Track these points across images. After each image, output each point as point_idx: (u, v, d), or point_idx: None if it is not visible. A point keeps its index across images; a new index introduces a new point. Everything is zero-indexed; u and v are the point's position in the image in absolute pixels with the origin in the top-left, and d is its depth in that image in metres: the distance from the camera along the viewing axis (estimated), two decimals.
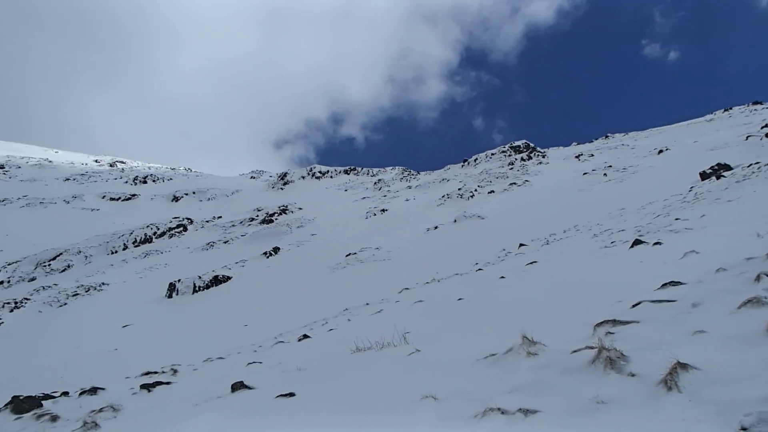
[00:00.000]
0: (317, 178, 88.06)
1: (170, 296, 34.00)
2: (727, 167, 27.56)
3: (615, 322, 4.75)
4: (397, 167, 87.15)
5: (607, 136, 75.39)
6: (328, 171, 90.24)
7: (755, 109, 64.51)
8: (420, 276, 24.26)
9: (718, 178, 25.52)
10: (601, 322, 4.85)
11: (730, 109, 71.11)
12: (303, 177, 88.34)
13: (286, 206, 63.09)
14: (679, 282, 5.94)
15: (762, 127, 41.09)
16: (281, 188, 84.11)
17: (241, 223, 58.83)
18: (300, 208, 63.00)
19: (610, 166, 46.80)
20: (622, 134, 73.72)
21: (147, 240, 54.98)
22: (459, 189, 52.79)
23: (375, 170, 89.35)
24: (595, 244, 16.15)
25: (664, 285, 6.02)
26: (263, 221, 58.26)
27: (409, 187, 66.49)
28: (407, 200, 57.25)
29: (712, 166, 28.43)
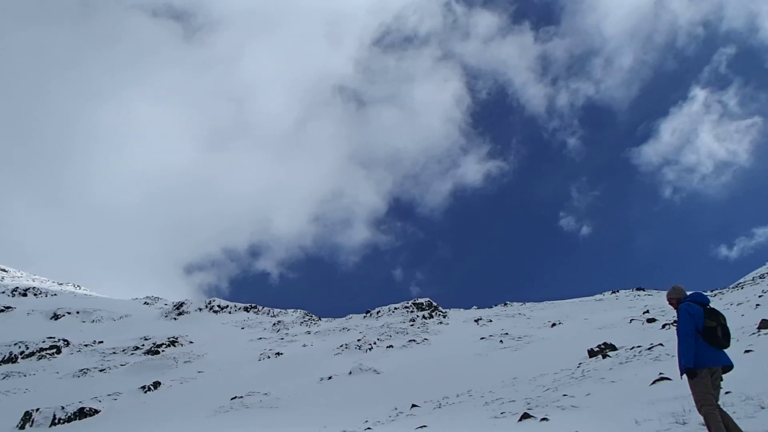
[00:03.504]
0: (215, 312, 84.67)
1: (23, 427, 30.18)
2: (613, 347, 28.92)
3: None
4: (299, 310, 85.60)
5: (506, 304, 78.11)
6: (227, 306, 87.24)
7: (638, 295, 69.53)
8: (307, 429, 22.95)
9: (604, 357, 26.62)
10: None
11: (617, 291, 76.31)
12: (200, 309, 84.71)
13: (176, 338, 59.62)
14: None
15: (643, 312, 44.06)
16: (175, 318, 79.93)
17: (123, 350, 54.70)
18: (191, 342, 59.66)
19: (507, 334, 48.02)
20: (520, 303, 76.67)
21: (11, 359, 49.75)
22: (358, 340, 52.11)
23: (276, 311, 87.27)
24: (486, 413, 16.02)
25: None
26: (148, 351, 54.50)
27: (308, 333, 65.00)
28: (305, 345, 55.67)
29: (600, 345, 29.76)
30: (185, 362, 49.25)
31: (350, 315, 77.69)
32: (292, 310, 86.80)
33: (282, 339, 60.97)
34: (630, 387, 14.74)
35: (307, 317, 79.45)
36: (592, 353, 28.83)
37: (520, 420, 12.10)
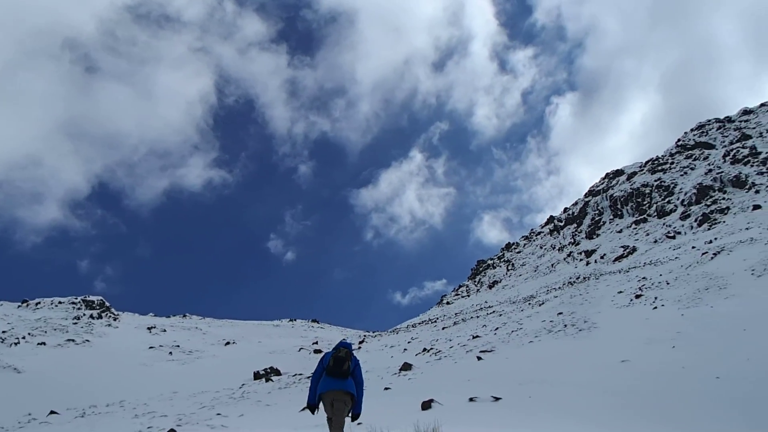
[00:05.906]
0: None
1: None
2: (278, 372, 30.09)
3: None
4: None
5: (185, 315, 75.79)
6: None
7: (312, 326, 73.94)
8: None
9: (267, 380, 27.48)
10: None
11: (295, 320, 79.97)
12: None
13: None
14: None
15: (313, 343, 46.97)
16: None
17: None
18: None
19: (178, 346, 46.51)
20: (200, 317, 75.13)
21: None
22: (3, 332, 45.19)
23: None
24: (131, 427, 15.18)
25: None
26: None
27: None
28: None
29: (266, 369, 30.70)
30: None
31: (1, 302, 67.14)
32: None
33: None
34: (281, 411, 15.42)
35: None
36: (257, 376, 29.53)
37: None
